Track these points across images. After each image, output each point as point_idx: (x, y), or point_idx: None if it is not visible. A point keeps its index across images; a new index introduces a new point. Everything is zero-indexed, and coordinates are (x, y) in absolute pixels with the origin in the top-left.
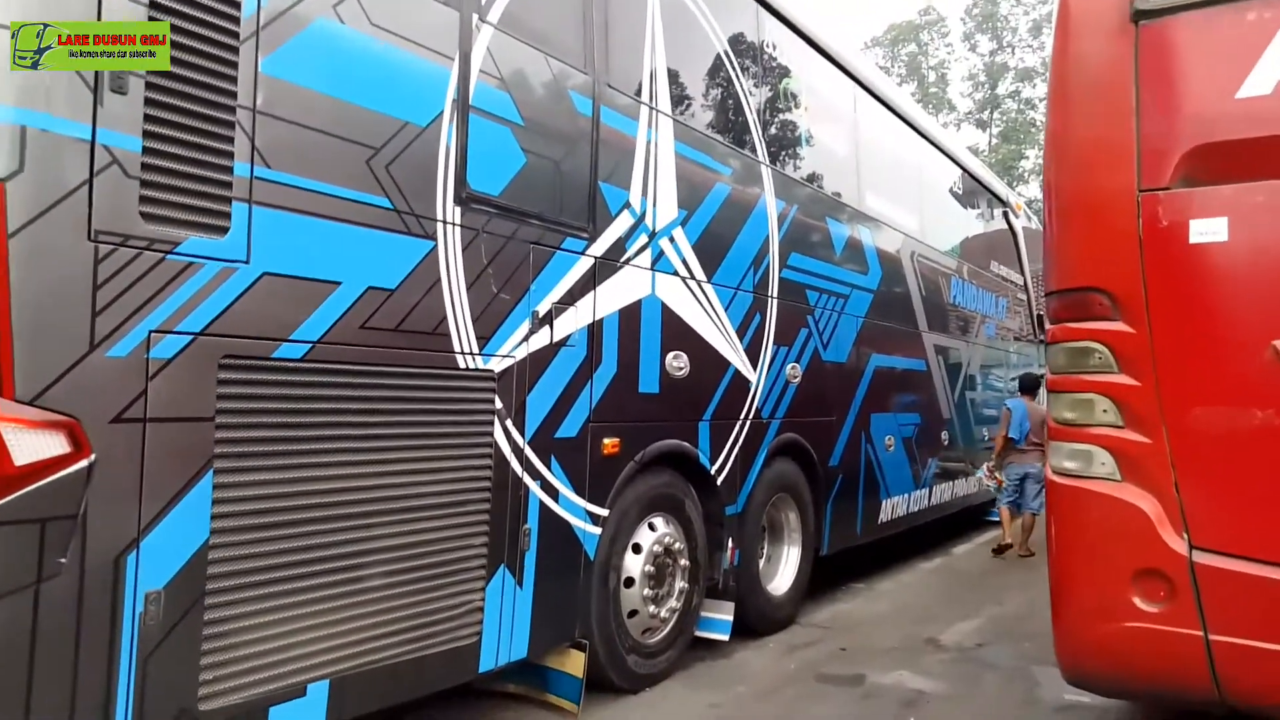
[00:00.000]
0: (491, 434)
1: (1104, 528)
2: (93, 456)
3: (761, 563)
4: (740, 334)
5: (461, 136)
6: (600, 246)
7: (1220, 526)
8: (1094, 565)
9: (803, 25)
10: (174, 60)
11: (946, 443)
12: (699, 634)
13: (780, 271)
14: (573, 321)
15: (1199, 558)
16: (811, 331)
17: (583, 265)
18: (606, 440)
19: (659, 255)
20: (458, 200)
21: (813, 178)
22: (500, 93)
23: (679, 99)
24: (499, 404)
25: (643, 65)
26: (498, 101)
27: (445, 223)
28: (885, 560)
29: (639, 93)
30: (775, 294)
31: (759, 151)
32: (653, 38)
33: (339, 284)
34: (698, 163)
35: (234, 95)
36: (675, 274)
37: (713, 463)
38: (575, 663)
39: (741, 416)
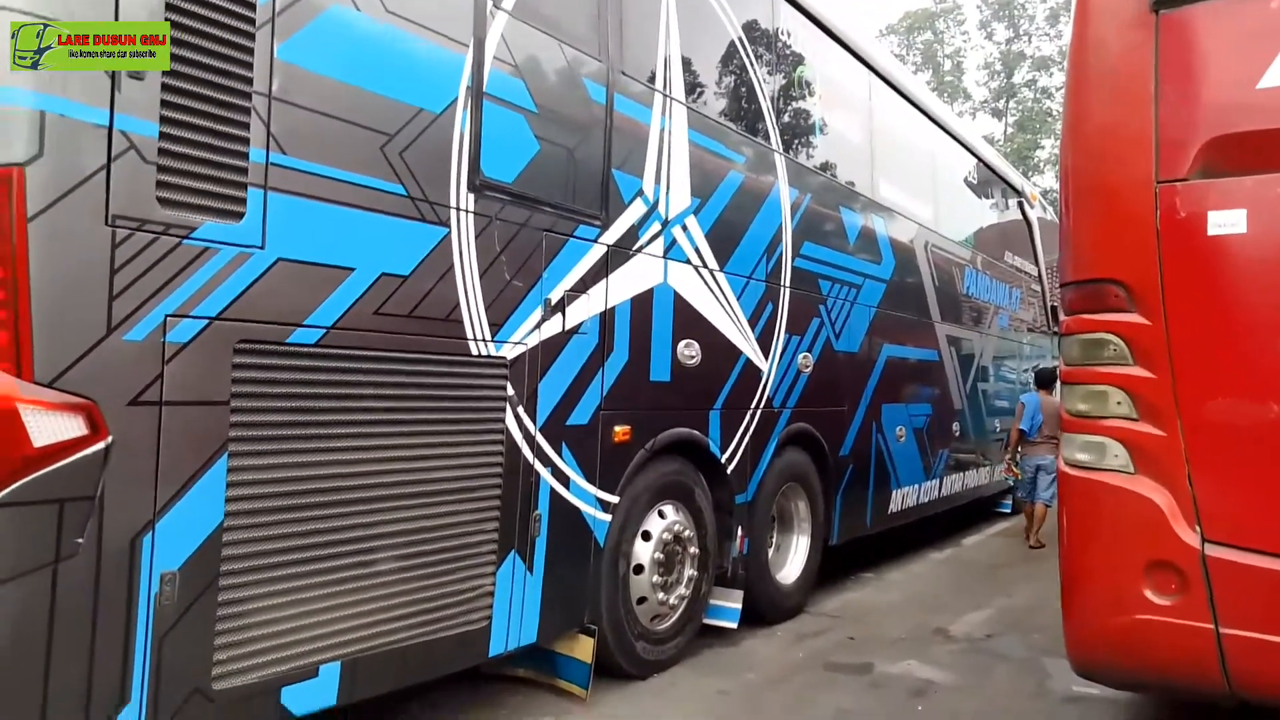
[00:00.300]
0: (503, 420)
1: (1116, 520)
2: (110, 439)
3: (771, 551)
4: (752, 323)
5: (475, 123)
6: (613, 234)
7: (1233, 520)
8: (1106, 557)
9: (818, 12)
10: (191, 46)
11: (958, 434)
12: (708, 622)
13: (793, 260)
14: (585, 309)
15: (1211, 551)
16: (824, 321)
17: (595, 253)
18: (617, 428)
19: (671, 243)
20: (471, 187)
21: (826, 166)
22: (514, 79)
23: (693, 86)
24: (511, 391)
25: (657, 52)
26: (512, 88)
27: (459, 209)
28: (895, 550)
29: (653, 80)
30: (788, 283)
31: (773, 140)
32: (667, 24)
33: (353, 270)
34: (711, 151)
35: (250, 81)
36: (688, 262)
37: (723, 451)
38: (584, 648)
39: (752, 405)
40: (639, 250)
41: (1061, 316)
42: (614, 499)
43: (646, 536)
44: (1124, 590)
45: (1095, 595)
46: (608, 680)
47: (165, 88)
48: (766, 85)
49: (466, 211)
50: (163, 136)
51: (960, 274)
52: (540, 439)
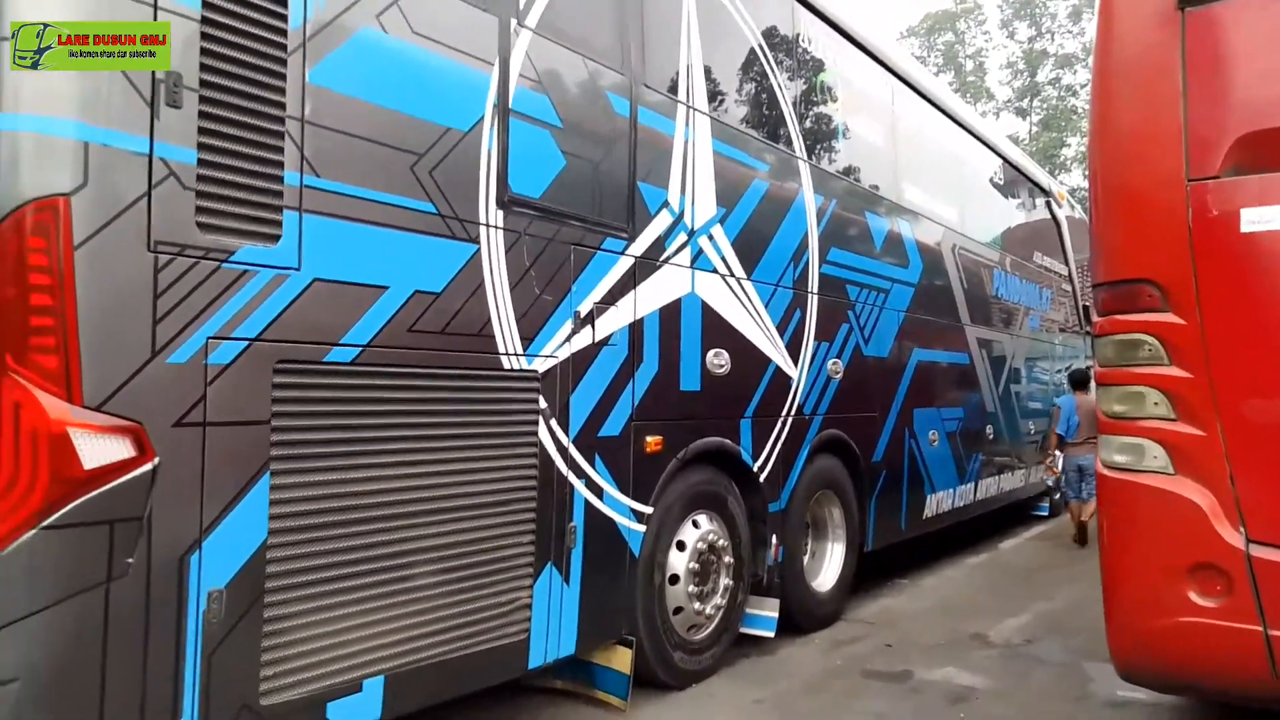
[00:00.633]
0: (536, 433)
1: (1157, 522)
2: (156, 460)
3: (805, 559)
4: (781, 330)
5: (502, 140)
6: (640, 246)
7: (1277, 519)
8: (1147, 560)
9: (837, 17)
10: (225, 73)
11: (991, 437)
12: (744, 630)
13: (820, 267)
14: (614, 321)
15: (1256, 551)
16: (852, 326)
17: (623, 265)
18: (649, 438)
19: (698, 253)
20: (500, 203)
21: (850, 171)
22: (539, 95)
23: (715, 96)
24: (543, 404)
25: (679, 63)
26: (537, 104)
27: (488, 226)
28: (931, 556)
29: (675, 91)
30: (815, 289)
31: (796, 146)
32: (688, 35)
33: (386, 288)
34: (735, 159)
35: (283, 106)
36: (715, 271)
37: (755, 459)
38: (622, 659)
39: (783, 413)
40: (666, 261)
41: (1095, 317)
42: (648, 509)
43: (681, 546)
44: (1167, 593)
45: (1138, 598)
46: (646, 691)
47: (202, 115)
48: (788, 92)
49: (495, 228)
50: (201, 163)
51: (989, 276)
52: (573, 451)
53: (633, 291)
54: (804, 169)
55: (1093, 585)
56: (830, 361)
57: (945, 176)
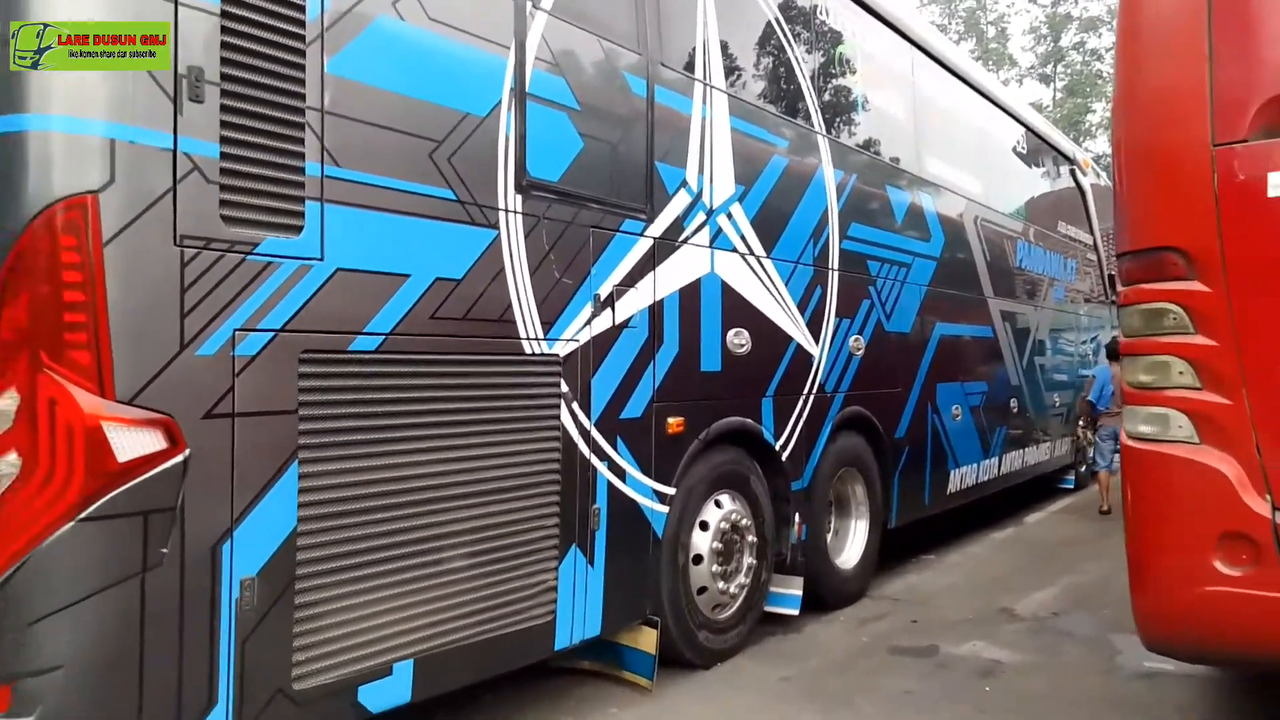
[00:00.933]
0: (559, 417)
1: (1183, 492)
2: (187, 451)
3: (829, 537)
4: (801, 308)
5: (520, 124)
6: (659, 227)
7: None
8: (1174, 530)
9: None
10: (245, 66)
11: (1016, 410)
12: (769, 609)
13: (840, 243)
14: (634, 303)
15: None
16: (874, 302)
17: (642, 246)
18: (671, 420)
19: (717, 232)
20: (518, 188)
21: (870, 145)
22: (556, 78)
23: (732, 72)
24: (565, 387)
25: (695, 41)
26: (554, 87)
27: (507, 211)
28: (956, 531)
29: (691, 69)
30: (836, 266)
31: (814, 121)
32: (704, 11)
33: (408, 276)
34: (753, 136)
35: (302, 97)
36: (734, 250)
37: (777, 439)
38: (648, 639)
39: (805, 391)
40: (685, 241)
41: (1119, 287)
42: (670, 490)
43: (704, 526)
44: (1194, 563)
45: (1164, 569)
46: (672, 670)
47: (224, 109)
48: (805, 65)
49: (514, 213)
50: (223, 157)
51: (1012, 247)
52: (595, 434)
53: (652, 273)
54: (823, 144)
55: (1120, 558)
56: (852, 338)
57: (967, 147)
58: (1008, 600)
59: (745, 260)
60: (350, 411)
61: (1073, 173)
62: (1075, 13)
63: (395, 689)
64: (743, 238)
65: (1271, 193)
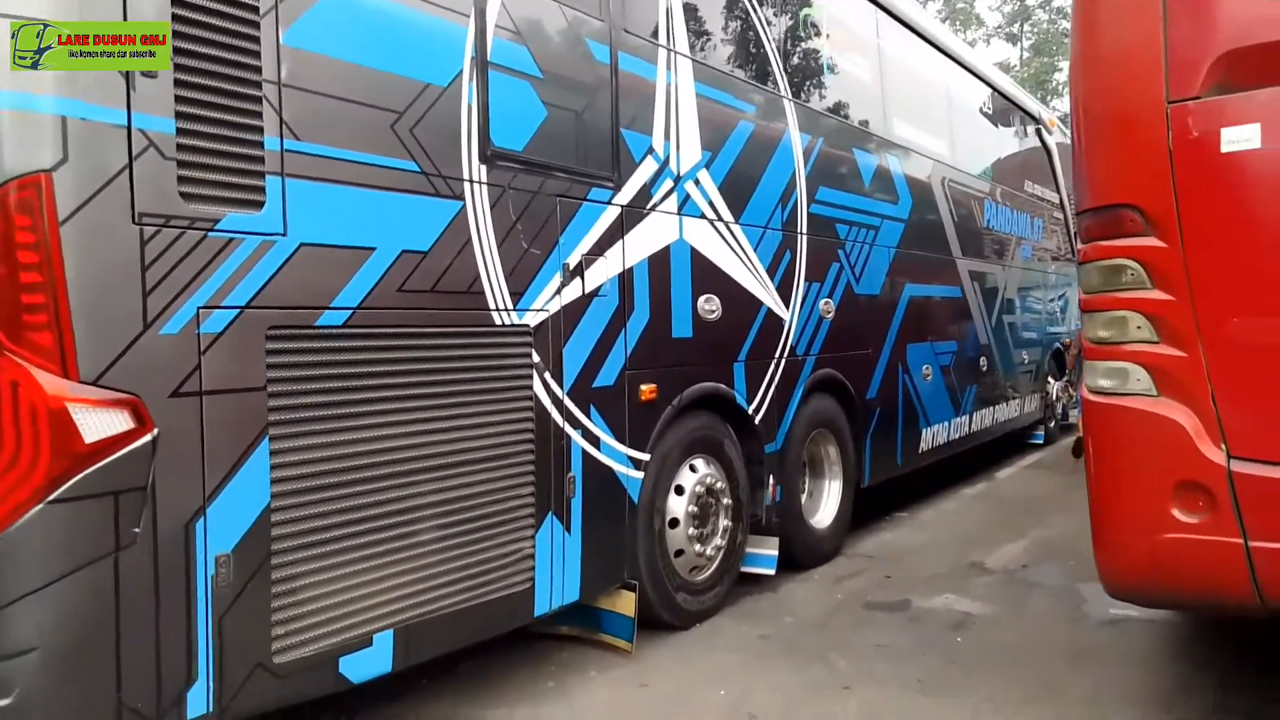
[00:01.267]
0: (531, 387)
1: (1142, 444)
2: (156, 431)
3: (804, 498)
4: (771, 273)
5: (482, 94)
6: (626, 195)
7: (1257, 435)
8: (1133, 481)
9: None
10: (199, 40)
11: (986, 369)
12: (745, 570)
13: (808, 207)
14: (603, 272)
15: (1237, 467)
16: (843, 265)
17: (610, 214)
18: (643, 386)
19: (685, 199)
20: (483, 158)
21: (837, 108)
22: (518, 46)
23: (697, 38)
24: (536, 357)
25: (658, 6)
26: (516, 56)
27: (472, 182)
28: (928, 489)
29: (656, 35)
30: (804, 230)
31: (781, 86)
32: None
33: (374, 250)
34: (719, 102)
35: (259, 70)
36: (702, 217)
37: (750, 403)
38: (626, 603)
39: (776, 355)
40: (653, 209)
41: (1078, 245)
42: (645, 456)
43: (680, 491)
44: (1152, 512)
45: (1124, 519)
46: (651, 633)
47: (178, 83)
48: (771, 30)
49: (480, 183)
50: (180, 132)
51: (980, 207)
52: (568, 403)
53: (621, 241)
54: (789, 108)
55: (1086, 511)
56: (822, 301)
57: (933, 109)
58: (979, 554)
59: (714, 226)
60: (320, 387)
61: (1039, 132)
62: None
63: (376, 659)
64: (711, 204)
65: (1224, 149)
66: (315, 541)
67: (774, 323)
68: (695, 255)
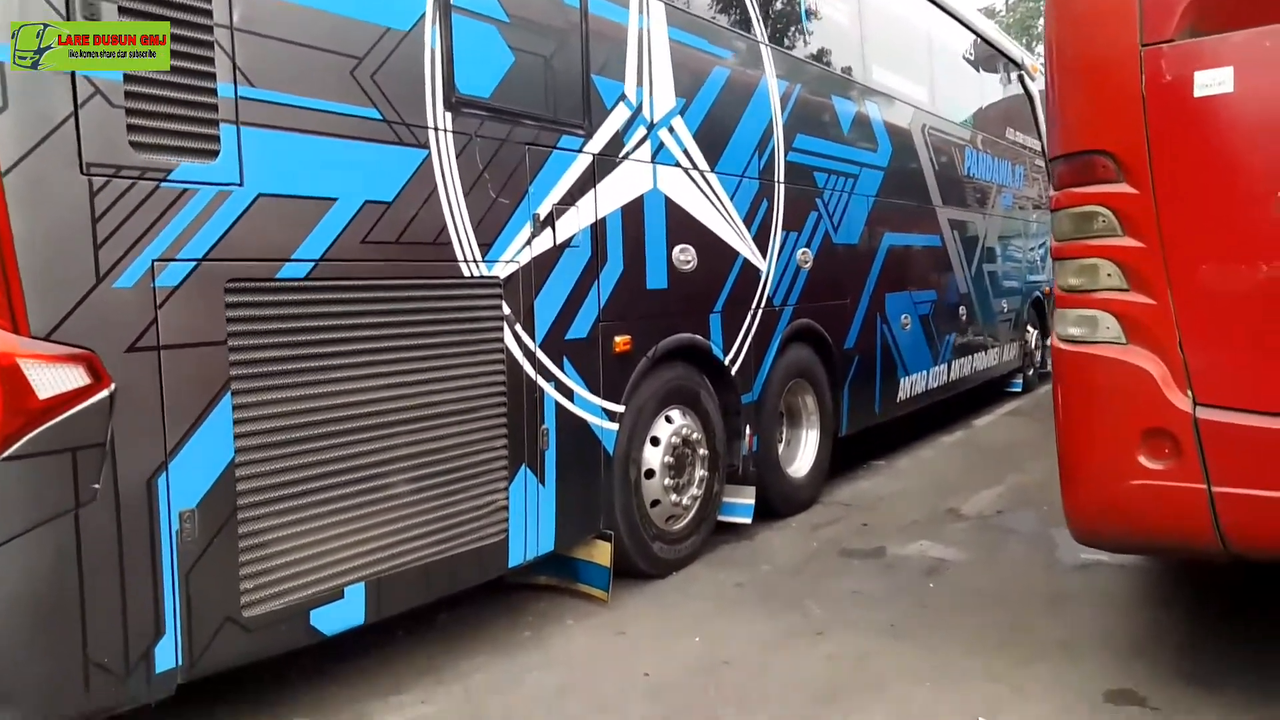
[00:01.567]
0: (502, 339)
1: (1110, 391)
2: (113, 386)
3: (781, 447)
4: (748, 222)
5: (446, 39)
6: (598, 142)
7: (1222, 382)
8: (1101, 428)
9: None
10: None
11: (964, 318)
12: (722, 519)
13: (786, 155)
14: (575, 222)
15: (1202, 414)
16: (821, 214)
17: (581, 163)
18: (617, 338)
19: (659, 147)
20: (448, 106)
21: (816, 55)
22: None
23: None
24: (507, 310)
25: None
26: None
27: (437, 130)
28: (907, 437)
29: None
30: (782, 178)
31: (757, 31)
32: None
33: (335, 200)
34: (694, 47)
35: (209, 14)
36: (677, 165)
37: (726, 353)
38: (602, 553)
39: (753, 306)
40: (626, 157)
41: (1051, 192)
42: (619, 408)
43: (655, 442)
44: (1120, 458)
45: (1092, 466)
46: (628, 581)
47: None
48: None
49: (445, 131)
50: (128, 79)
51: (960, 155)
52: (541, 355)
53: (593, 190)
54: (766, 54)
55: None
56: (799, 251)
57: (913, 55)
58: (954, 501)
59: (689, 175)
60: (284, 340)
61: (1021, 78)
62: None
63: (348, 611)
64: (686, 152)
65: (1197, 93)
66: (283, 496)
67: (751, 273)
68: (670, 205)
